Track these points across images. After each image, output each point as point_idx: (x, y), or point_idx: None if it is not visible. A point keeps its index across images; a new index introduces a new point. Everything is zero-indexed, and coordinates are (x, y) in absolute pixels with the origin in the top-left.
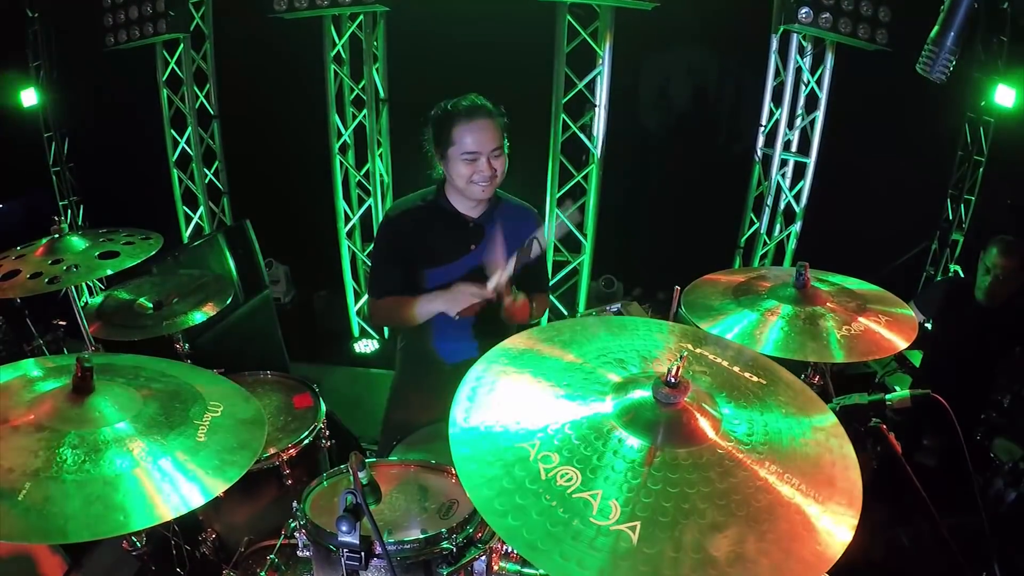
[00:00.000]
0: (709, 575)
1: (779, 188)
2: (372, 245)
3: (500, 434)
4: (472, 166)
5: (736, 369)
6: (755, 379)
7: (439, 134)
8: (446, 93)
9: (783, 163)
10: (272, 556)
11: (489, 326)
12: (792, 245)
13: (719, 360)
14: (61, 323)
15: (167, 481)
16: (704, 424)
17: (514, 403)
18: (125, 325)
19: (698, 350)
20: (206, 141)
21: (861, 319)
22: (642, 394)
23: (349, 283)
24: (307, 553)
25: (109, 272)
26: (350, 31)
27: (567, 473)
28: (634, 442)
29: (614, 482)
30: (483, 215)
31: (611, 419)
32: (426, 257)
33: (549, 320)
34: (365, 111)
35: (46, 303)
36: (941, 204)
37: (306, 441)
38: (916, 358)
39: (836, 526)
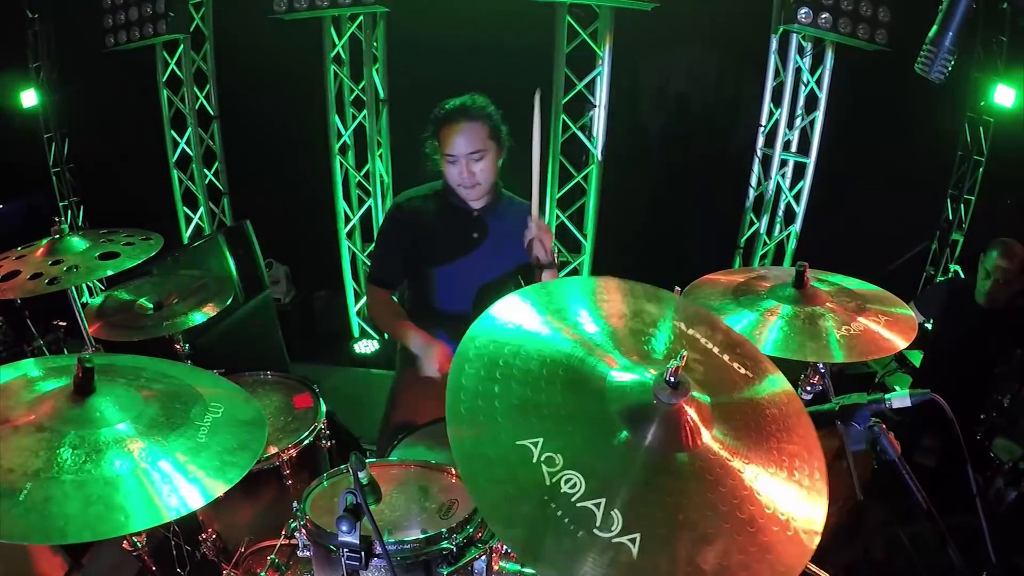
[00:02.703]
0: None
1: (779, 188)
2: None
3: (502, 426)
4: (453, 168)
5: (726, 358)
6: (743, 371)
7: (433, 134)
8: (446, 93)
9: (783, 163)
10: (272, 556)
11: None
12: (792, 245)
13: (710, 345)
14: (61, 323)
15: (167, 482)
16: (699, 425)
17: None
18: (125, 326)
19: (690, 331)
20: (206, 142)
21: (861, 319)
22: (642, 392)
23: (349, 283)
24: (307, 553)
25: (109, 273)
26: (350, 32)
27: (571, 478)
28: (634, 441)
29: (616, 488)
30: (486, 207)
31: (612, 418)
32: (430, 247)
33: None
34: (365, 112)
35: (46, 303)
36: (941, 204)
37: (306, 441)
38: (916, 358)
39: (803, 537)
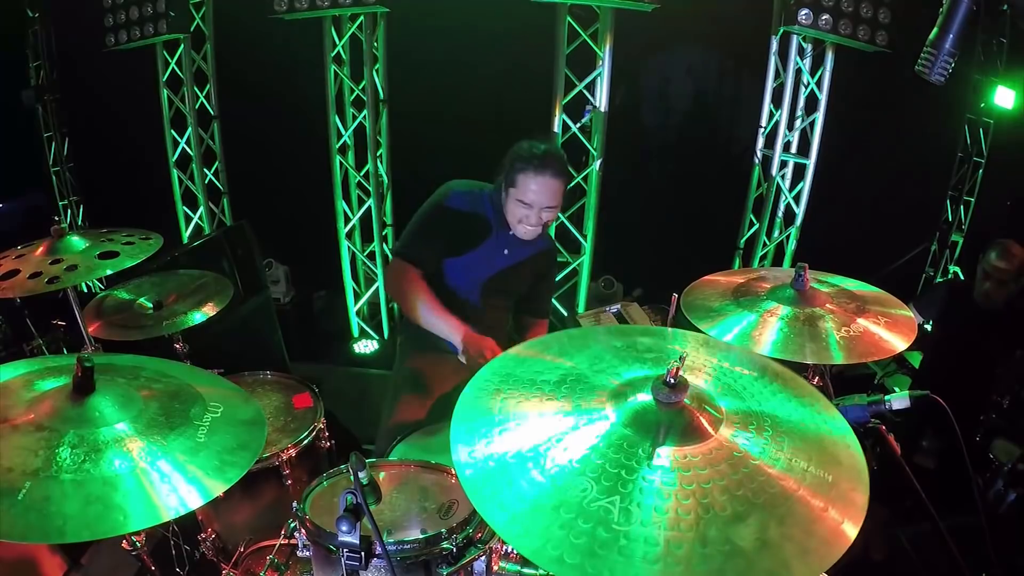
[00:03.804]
0: (739, 566)
1: (779, 189)
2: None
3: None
4: (522, 211)
5: (726, 365)
6: (745, 372)
7: (510, 169)
8: (446, 94)
9: (783, 164)
10: (272, 556)
11: (492, 320)
12: (792, 246)
13: (709, 358)
14: (61, 323)
15: (167, 481)
16: (706, 421)
17: (518, 434)
18: (125, 325)
19: (690, 352)
20: (206, 141)
21: (860, 320)
22: (643, 398)
23: (349, 283)
24: (307, 553)
25: (109, 272)
26: (350, 32)
27: (580, 483)
28: (641, 444)
29: (628, 485)
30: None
31: (623, 431)
32: (462, 242)
33: (549, 323)
34: (365, 112)
35: (46, 303)
36: (940, 205)
37: (306, 441)
38: (916, 359)
39: (850, 502)
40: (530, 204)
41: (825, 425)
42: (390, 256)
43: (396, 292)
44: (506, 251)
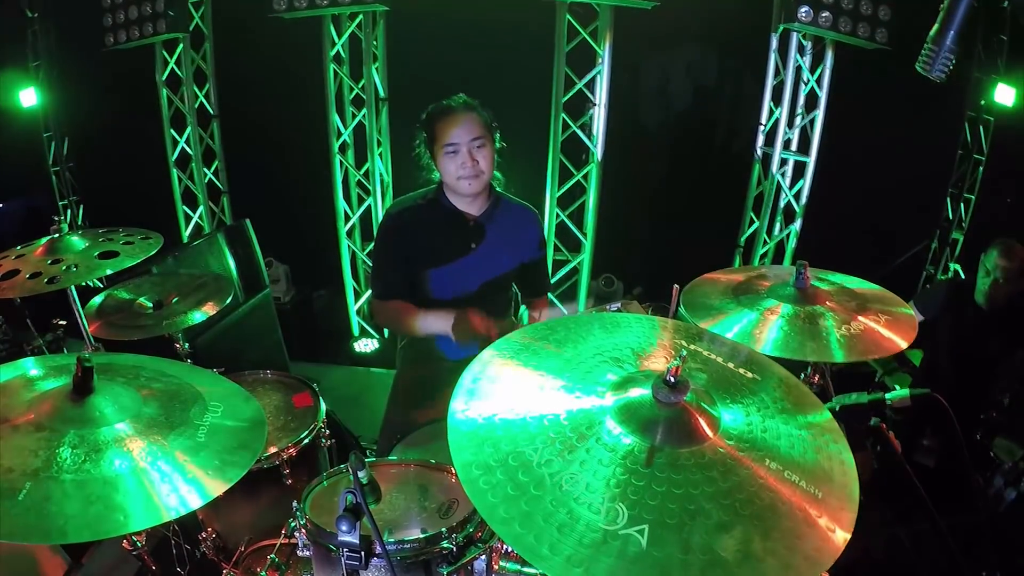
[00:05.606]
0: None
1: (779, 187)
2: (373, 244)
3: (501, 436)
4: (455, 159)
5: (730, 365)
6: (749, 375)
7: (427, 134)
8: (446, 92)
9: (783, 162)
10: (272, 555)
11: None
12: (792, 244)
13: (713, 356)
14: (61, 323)
15: (167, 481)
16: (703, 423)
17: (515, 396)
18: (125, 325)
19: (692, 346)
20: (206, 141)
21: (861, 318)
22: (641, 393)
23: (349, 283)
24: (307, 553)
25: (109, 272)
26: (350, 30)
27: (572, 477)
28: (635, 443)
29: (619, 484)
30: (483, 214)
31: (612, 420)
32: (427, 255)
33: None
34: (365, 110)
35: (46, 303)
36: (941, 203)
37: (306, 441)
38: (917, 358)
39: (836, 521)
40: (455, 143)
41: (823, 439)
42: None
43: (389, 327)
44: (473, 244)
